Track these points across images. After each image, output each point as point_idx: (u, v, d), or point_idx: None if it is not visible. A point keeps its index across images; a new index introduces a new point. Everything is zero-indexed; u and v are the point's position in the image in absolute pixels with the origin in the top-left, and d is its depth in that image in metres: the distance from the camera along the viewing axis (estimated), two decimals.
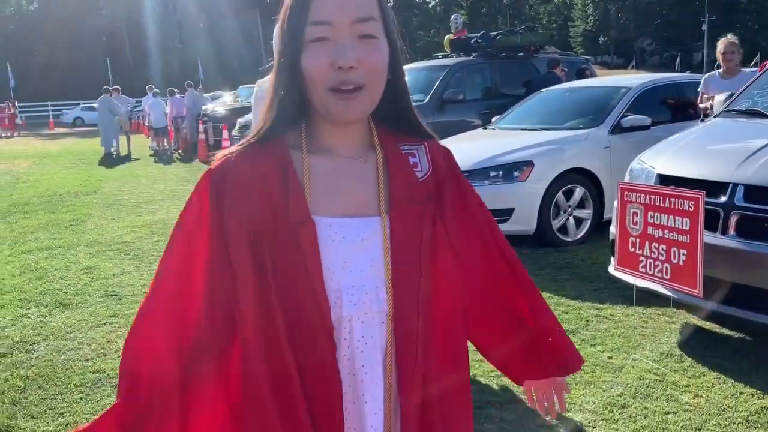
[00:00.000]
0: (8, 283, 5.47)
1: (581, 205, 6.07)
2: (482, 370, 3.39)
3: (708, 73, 6.53)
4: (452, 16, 10.82)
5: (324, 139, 1.09)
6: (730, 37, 6.13)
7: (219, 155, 1.10)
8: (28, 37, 47.88)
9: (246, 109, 16.71)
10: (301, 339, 1.03)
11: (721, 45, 6.17)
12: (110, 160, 15.99)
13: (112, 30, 49.75)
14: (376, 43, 1.03)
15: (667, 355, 3.59)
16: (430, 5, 69.77)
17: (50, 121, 34.17)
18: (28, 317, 4.62)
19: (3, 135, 27.50)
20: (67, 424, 3.11)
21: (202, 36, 49.64)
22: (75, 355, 3.94)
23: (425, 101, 8.92)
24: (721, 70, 6.21)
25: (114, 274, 5.63)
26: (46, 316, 4.62)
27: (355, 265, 1.06)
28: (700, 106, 6.12)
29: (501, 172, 5.78)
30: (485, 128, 7.55)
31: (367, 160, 1.11)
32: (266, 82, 2.86)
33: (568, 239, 5.98)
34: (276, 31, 1.08)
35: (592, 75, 10.41)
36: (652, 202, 3.66)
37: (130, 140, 17.73)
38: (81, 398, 3.36)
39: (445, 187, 1.15)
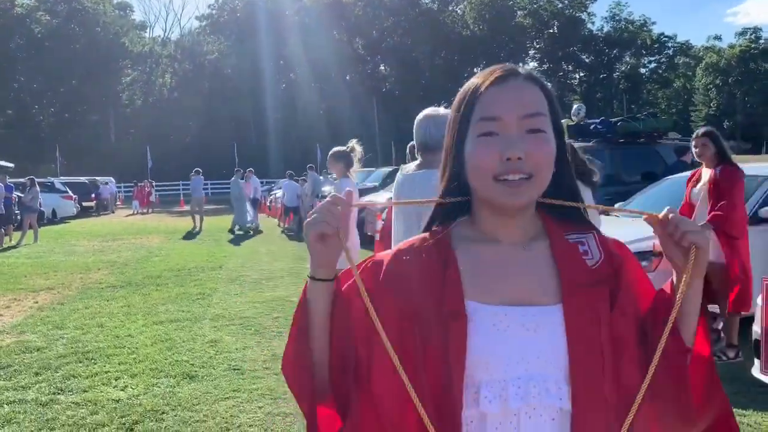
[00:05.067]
0: (142, 352, 5.80)
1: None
2: None
3: None
4: (575, 106, 10.81)
5: (489, 227, 1.10)
6: None
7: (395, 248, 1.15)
8: (165, 122, 52.47)
9: (361, 192, 17.30)
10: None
11: None
12: (235, 237, 16.86)
13: (240, 116, 53.55)
14: (544, 136, 1.04)
15: None
16: None
17: (181, 200, 36.77)
18: (159, 387, 4.85)
19: (139, 212, 29.84)
20: None
21: (321, 122, 52.37)
22: (200, 427, 4.07)
23: None
24: None
25: (237, 348, 5.83)
26: (174, 387, 4.83)
27: (522, 356, 1.01)
28: None
29: None
30: (608, 215, 7.33)
31: (533, 248, 1.10)
32: (410, 167, 2.94)
33: None
34: (448, 125, 1.12)
35: None
36: None
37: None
38: None
39: (622, 274, 1.10)
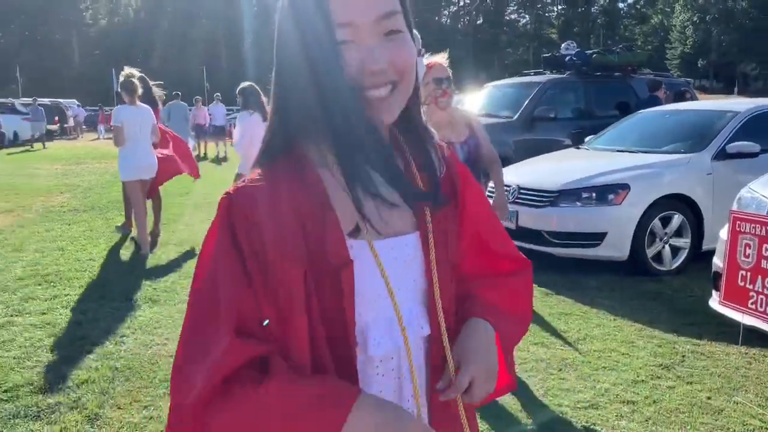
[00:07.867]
0: (103, 276, 5.70)
1: (678, 233, 5.76)
2: None
3: None
4: (564, 43, 10.64)
5: None
6: None
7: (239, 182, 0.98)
8: (132, 44, 50.60)
9: None
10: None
11: None
12: (204, 164, 16.55)
13: (211, 39, 51.85)
14: (403, 37, 0.92)
15: None
16: (520, 23, 69.11)
17: None
18: (120, 311, 4.79)
19: (106, 137, 29.11)
20: (150, 417, 3.17)
21: None
22: (161, 350, 4.04)
23: (514, 118, 8.75)
24: None
25: None
26: (135, 311, 4.78)
27: (405, 288, 0.98)
28: None
29: (594, 194, 5.56)
30: (578, 148, 7.31)
31: None
32: None
33: (663, 268, 5.67)
34: (280, 31, 0.98)
35: (693, 98, 9.94)
36: None
37: (220, 145, 18.69)
38: (165, 393, 3.43)
39: (459, 191, 1.06)
